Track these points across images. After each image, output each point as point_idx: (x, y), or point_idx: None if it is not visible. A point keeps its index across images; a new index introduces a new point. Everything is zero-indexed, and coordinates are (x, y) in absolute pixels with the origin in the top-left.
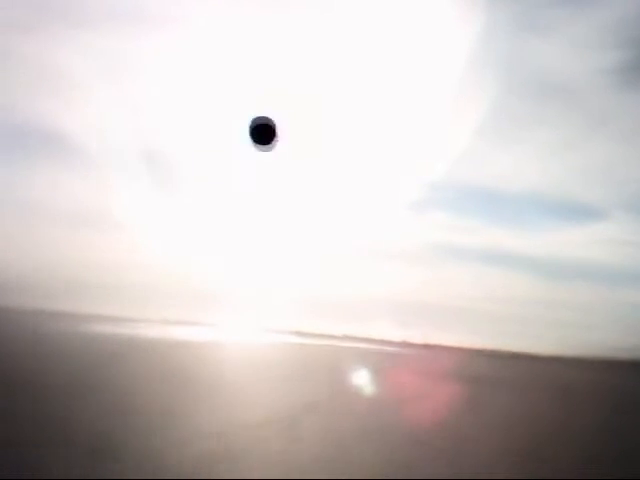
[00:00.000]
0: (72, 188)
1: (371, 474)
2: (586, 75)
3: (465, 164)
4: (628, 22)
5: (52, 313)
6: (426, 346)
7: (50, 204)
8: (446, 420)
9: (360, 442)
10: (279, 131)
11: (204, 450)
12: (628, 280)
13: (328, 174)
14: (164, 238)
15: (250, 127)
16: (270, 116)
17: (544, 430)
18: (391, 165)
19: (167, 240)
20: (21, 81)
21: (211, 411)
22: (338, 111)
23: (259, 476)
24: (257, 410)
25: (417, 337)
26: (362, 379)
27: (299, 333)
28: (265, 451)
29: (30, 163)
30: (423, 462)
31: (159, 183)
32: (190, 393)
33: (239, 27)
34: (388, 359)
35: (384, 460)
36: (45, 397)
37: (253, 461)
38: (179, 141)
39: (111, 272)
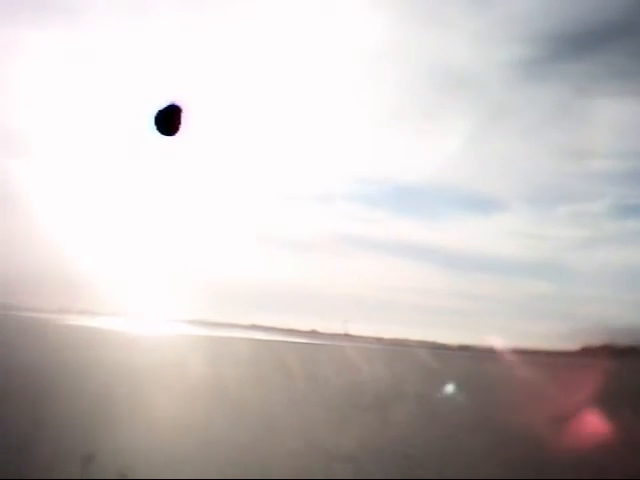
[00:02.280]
0: None
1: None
2: (490, 68)
3: (371, 156)
4: (531, 16)
5: None
6: (334, 335)
7: None
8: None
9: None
10: (186, 118)
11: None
12: (528, 270)
13: (236, 164)
14: (64, 227)
15: (155, 114)
16: (177, 102)
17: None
18: (299, 156)
19: (67, 229)
20: None
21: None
22: (247, 100)
23: None
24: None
25: (326, 327)
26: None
27: (206, 323)
28: None
29: None
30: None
31: (55, 170)
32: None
33: (148, 13)
34: (291, 349)
35: None
36: None
37: None
38: (78, 129)
39: (11, 261)
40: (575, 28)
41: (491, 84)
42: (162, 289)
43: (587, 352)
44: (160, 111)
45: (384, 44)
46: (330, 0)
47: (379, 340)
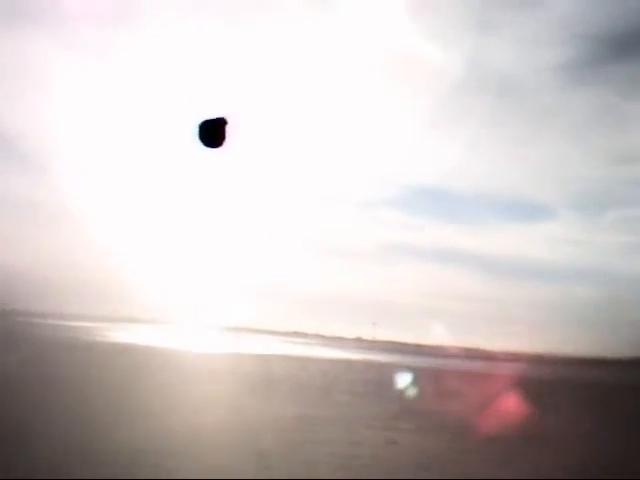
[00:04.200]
0: (22, 183)
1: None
2: (535, 72)
3: (417, 162)
4: (575, 18)
5: None
6: (378, 342)
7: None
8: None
9: None
10: (230, 130)
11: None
12: (575, 278)
13: (282, 172)
14: (115, 236)
15: (200, 126)
16: (222, 115)
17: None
18: (344, 164)
19: (115, 238)
20: None
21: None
22: (292, 110)
23: None
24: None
25: (370, 334)
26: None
27: (249, 330)
28: None
29: None
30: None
31: (112, 179)
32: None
33: (193, 26)
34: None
35: None
36: None
37: None
38: (127, 140)
39: (59, 269)
40: (620, 29)
41: (535, 88)
42: (206, 295)
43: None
44: (204, 123)
45: (428, 49)
46: (376, 6)
47: (426, 348)
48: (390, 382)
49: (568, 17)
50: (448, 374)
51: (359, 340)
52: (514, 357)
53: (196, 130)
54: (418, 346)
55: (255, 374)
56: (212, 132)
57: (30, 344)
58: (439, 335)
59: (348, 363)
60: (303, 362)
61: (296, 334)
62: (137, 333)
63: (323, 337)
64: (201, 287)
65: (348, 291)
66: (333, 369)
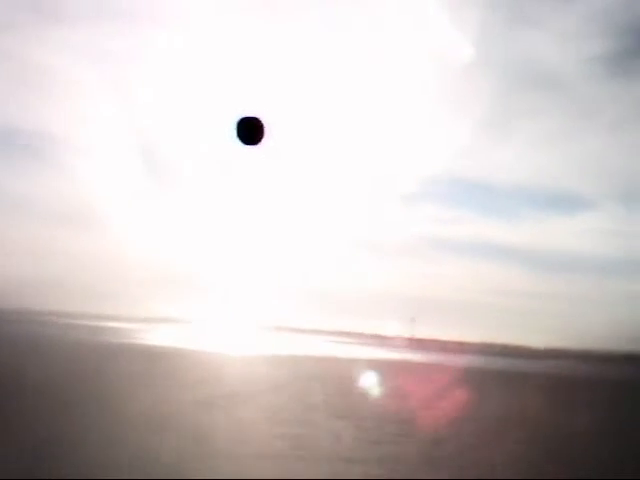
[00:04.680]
0: (58, 186)
1: None
2: (576, 65)
3: (456, 157)
4: (616, 10)
5: (39, 312)
6: (418, 340)
7: (36, 202)
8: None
9: None
10: (268, 127)
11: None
12: (618, 270)
13: (320, 168)
14: (153, 235)
15: (237, 124)
16: (258, 112)
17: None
18: (383, 158)
19: (156, 236)
20: (4, 79)
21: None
22: (331, 105)
23: None
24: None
25: (410, 331)
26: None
27: (292, 329)
28: None
29: (15, 161)
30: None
31: (147, 179)
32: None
33: (230, 25)
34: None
35: None
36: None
37: None
38: (167, 138)
39: (99, 269)
40: None
41: (576, 80)
42: (250, 294)
43: None
44: (242, 121)
45: (471, 44)
46: (414, 4)
47: (468, 344)
48: (416, 395)
49: (609, 8)
50: (479, 378)
51: (399, 339)
52: (557, 354)
53: (234, 128)
54: (460, 344)
55: (252, 381)
56: (250, 130)
57: (63, 348)
58: (479, 331)
59: (374, 364)
60: (327, 364)
61: (337, 333)
62: (178, 334)
63: (363, 335)
64: (243, 286)
65: (389, 287)
66: (352, 373)
